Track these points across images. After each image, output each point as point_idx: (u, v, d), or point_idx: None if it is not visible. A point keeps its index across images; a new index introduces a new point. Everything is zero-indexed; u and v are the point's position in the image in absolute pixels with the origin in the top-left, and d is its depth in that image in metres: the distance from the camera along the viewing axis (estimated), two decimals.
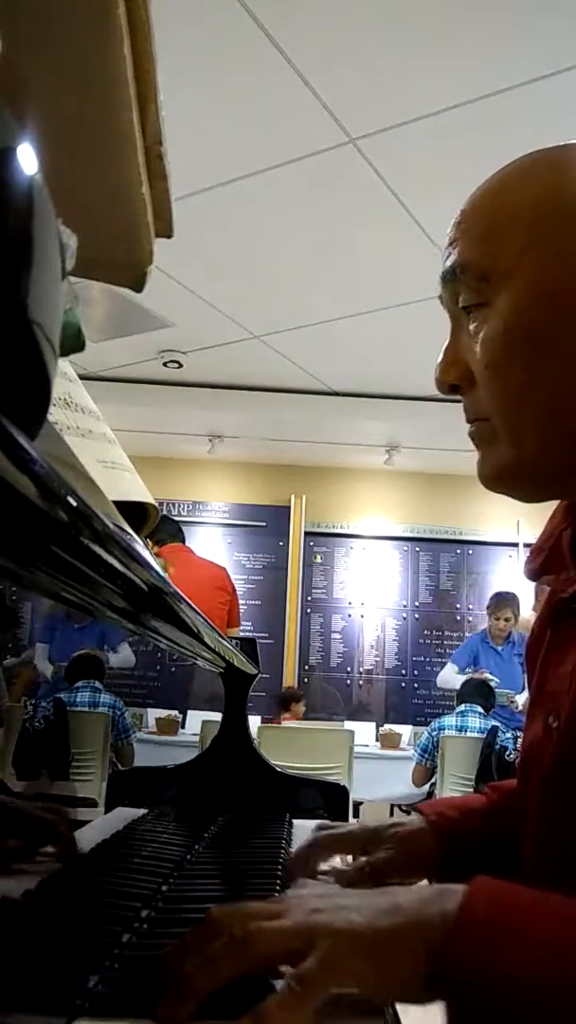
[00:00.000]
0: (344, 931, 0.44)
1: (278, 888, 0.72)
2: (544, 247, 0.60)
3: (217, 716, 1.32)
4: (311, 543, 5.95)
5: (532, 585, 5.66)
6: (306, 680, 5.77)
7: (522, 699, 4.42)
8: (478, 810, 0.80)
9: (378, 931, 0.44)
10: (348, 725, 4.58)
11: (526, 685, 0.87)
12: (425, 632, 5.86)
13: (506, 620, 4.84)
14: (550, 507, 0.72)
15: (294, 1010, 0.41)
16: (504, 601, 4.92)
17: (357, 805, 4.22)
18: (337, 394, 5.07)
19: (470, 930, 0.43)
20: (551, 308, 0.60)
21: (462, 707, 4.04)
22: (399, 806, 4.63)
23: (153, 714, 4.62)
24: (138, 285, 0.67)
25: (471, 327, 0.64)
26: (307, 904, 0.47)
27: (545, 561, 0.70)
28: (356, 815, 3.97)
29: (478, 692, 4.10)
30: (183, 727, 4.55)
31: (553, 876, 0.60)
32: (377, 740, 4.68)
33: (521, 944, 0.42)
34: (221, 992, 0.43)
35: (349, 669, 5.83)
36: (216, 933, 0.45)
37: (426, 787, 4.22)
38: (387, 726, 4.90)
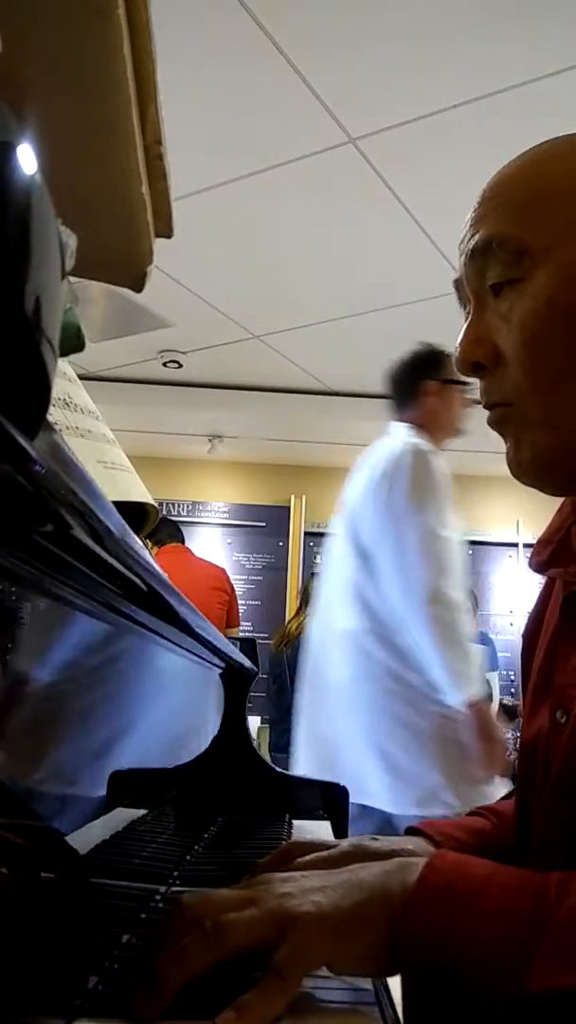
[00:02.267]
0: (312, 915, 0.45)
1: None
2: None
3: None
4: (311, 543, 5.95)
5: (533, 582, 5.67)
6: None
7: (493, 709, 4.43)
8: (483, 831, 0.76)
9: (343, 910, 0.45)
10: None
11: (521, 677, 0.85)
12: None
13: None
14: (552, 505, 0.72)
15: (273, 1000, 0.42)
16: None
17: None
18: (337, 394, 5.07)
19: (426, 899, 0.45)
20: None
21: None
22: None
23: None
24: (138, 285, 0.67)
25: (501, 305, 0.61)
26: (275, 889, 0.48)
27: (553, 554, 0.69)
28: None
29: None
30: None
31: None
32: None
33: (478, 911, 0.44)
34: (204, 989, 0.43)
35: None
36: (188, 925, 0.45)
37: None
38: None
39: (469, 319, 0.64)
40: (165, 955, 0.44)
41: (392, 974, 0.46)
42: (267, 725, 4.75)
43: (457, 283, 0.66)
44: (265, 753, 2.99)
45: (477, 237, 0.62)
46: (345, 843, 0.65)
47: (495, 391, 0.63)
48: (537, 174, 0.62)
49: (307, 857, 0.62)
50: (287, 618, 5.72)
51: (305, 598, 3.85)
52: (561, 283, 0.58)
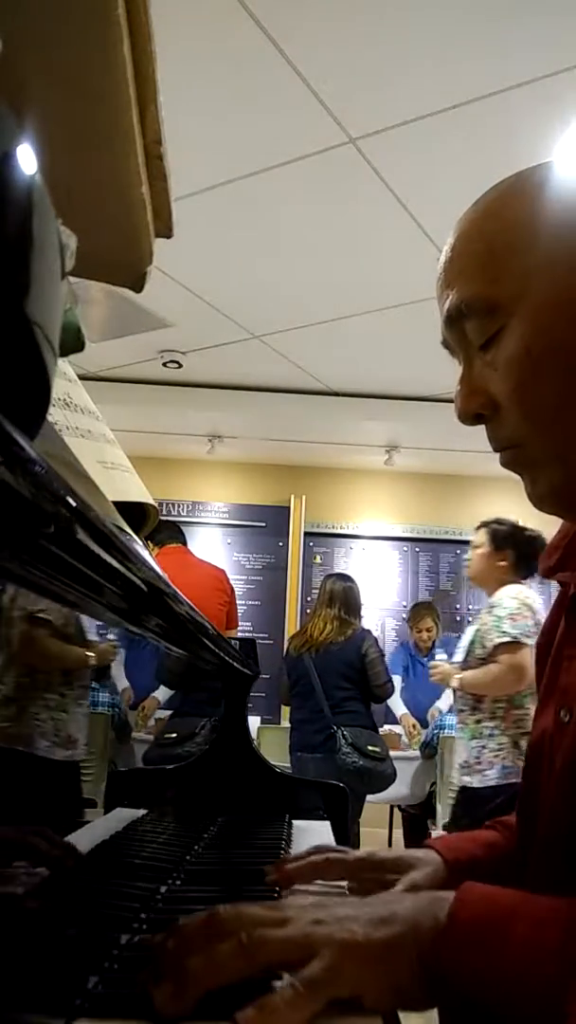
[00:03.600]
0: (347, 943, 0.46)
1: (277, 889, 0.72)
2: (550, 261, 0.60)
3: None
4: (311, 543, 5.95)
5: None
6: None
7: (445, 704, 4.46)
8: (495, 844, 0.78)
9: (376, 942, 0.46)
10: None
11: (534, 683, 0.87)
12: None
13: (428, 631, 4.87)
14: None
15: (297, 1009, 0.43)
16: (421, 611, 4.95)
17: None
18: (337, 394, 5.07)
19: (458, 934, 0.45)
20: (571, 320, 0.59)
21: None
22: (399, 806, 4.63)
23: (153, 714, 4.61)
24: (138, 285, 0.67)
25: (487, 357, 0.64)
26: (309, 914, 0.48)
27: (561, 558, 0.70)
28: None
29: None
30: None
31: (564, 872, 0.60)
32: None
33: (506, 945, 0.44)
34: (221, 992, 0.43)
35: None
36: (222, 933, 0.46)
37: (426, 786, 4.22)
38: (387, 726, 4.90)
39: (461, 374, 0.66)
40: (198, 958, 0.45)
41: (426, 1008, 0.46)
42: (267, 725, 4.76)
43: (444, 343, 0.69)
44: (270, 753, 2.99)
45: (449, 303, 0.65)
46: (359, 852, 0.75)
47: (500, 436, 0.65)
48: (492, 228, 0.63)
49: (324, 856, 0.75)
50: (287, 618, 5.74)
51: (326, 598, 3.83)
52: (535, 330, 0.60)
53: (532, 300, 0.60)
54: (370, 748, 3.52)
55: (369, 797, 3.92)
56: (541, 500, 0.65)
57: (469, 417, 0.66)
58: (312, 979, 0.44)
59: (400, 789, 4.20)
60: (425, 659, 4.87)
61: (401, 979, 0.45)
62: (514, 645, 2.72)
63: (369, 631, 3.89)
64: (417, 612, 4.97)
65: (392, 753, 4.46)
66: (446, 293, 0.65)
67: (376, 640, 3.80)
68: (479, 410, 0.65)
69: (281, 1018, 0.42)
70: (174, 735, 3.40)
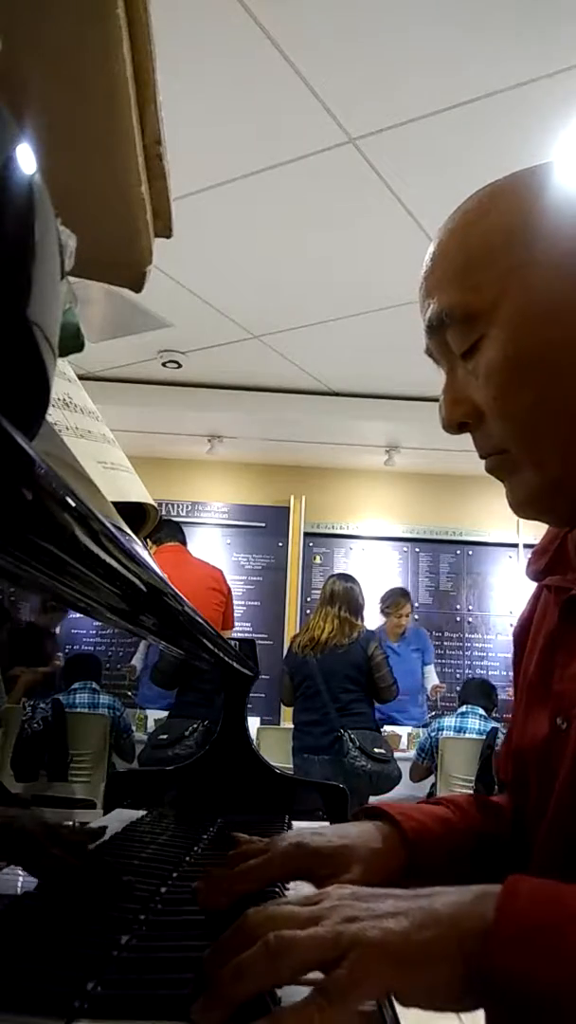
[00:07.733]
0: (377, 942, 0.43)
1: (276, 891, 0.72)
2: (526, 269, 0.60)
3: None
4: (311, 544, 5.95)
5: (531, 583, 5.66)
6: None
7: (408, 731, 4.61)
8: (448, 820, 0.75)
9: (413, 943, 0.44)
10: None
11: (512, 679, 0.86)
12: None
13: (407, 616, 5.02)
14: None
15: (310, 1021, 0.40)
16: (404, 597, 5.05)
17: None
18: (337, 394, 5.07)
19: (509, 934, 0.43)
20: (547, 326, 0.59)
21: (463, 708, 4.04)
22: None
23: (154, 715, 4.62)
24: (137, 285, 0.67)
25: (469, 365, 0.64)
26: (344, 910, 0.46)
27: (549, 562, 0.70)
28: None
29: (480, 692, 4.10)
30: None
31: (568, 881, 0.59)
32: None
33: (562, 945, 0.42)
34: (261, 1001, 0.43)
35: None
36: (251, 938, 0.44)
37: (426, 787, 4.22)
38: (387, 727, 4.90)
39: (445, 382, 0.67)
40: (226, 969, 0.43)
41: (464, 1010, 0.44)
42: (267, 726, 4.76)
43: (427, 351, 0.69)
44: (270, 754, 2.98)
45: (430, 312, 0.65)
46: (285, 841, 0.63)
47: (485, 444, 0.66)
48: (467, 237, 0.63)
49: (248, 864, 0.61)
50: (287, 619, 5.73)
51: (330, 598, 3.83)
52: (512, 337, 0.60)
53: (508, 307, 0.60)
54: (376, 750, 3.52)
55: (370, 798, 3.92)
56: (520, 506, 0.66)
57: (454, 426, 0.66)
58: (334, 986, 0.42)
59: (399, 790, 4.20)
60: (397, 645, 4.89)
61: (438, 981, 0.43)
62: None
63: (374, 632, 3.88)
64: (398, 598, 5.00)
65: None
66: (427, 302, 0.65)
67: (381, 641, 3.79)
68: (463, 419, 0.65)
69: None
70: (165, 736, 3.40)
